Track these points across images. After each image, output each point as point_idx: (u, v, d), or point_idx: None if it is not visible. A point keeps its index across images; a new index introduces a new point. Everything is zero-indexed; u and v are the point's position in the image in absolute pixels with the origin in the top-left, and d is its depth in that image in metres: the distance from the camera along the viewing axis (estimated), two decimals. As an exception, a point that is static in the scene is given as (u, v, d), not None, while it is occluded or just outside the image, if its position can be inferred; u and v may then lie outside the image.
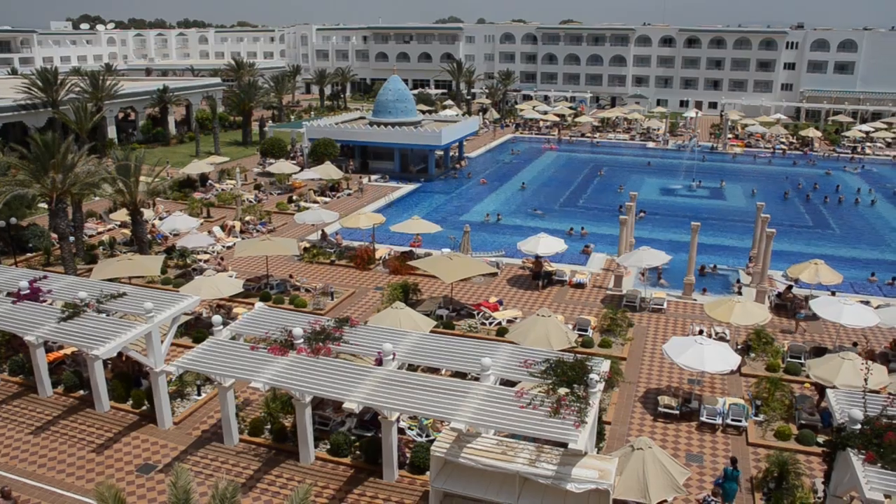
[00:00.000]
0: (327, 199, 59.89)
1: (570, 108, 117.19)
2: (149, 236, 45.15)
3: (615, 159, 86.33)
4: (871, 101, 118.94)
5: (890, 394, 22.57)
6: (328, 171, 61.48)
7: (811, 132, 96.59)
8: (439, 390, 21.11)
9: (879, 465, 17.78)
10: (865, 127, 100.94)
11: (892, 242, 54.76)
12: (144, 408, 26.72)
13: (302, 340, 23.62)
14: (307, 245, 46.40)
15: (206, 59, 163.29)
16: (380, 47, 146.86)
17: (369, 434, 24.69)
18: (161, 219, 49.40)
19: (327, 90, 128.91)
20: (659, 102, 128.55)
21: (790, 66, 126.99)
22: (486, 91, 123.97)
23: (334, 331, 24.62)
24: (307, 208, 52.94)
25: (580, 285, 40.67)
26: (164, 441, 25.01)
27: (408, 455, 23.53)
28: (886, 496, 17.48)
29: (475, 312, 35.50)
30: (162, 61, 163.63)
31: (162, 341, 25.81)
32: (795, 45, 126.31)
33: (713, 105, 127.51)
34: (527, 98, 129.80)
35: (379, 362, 22.99)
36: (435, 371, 26.42)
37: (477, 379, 22.30)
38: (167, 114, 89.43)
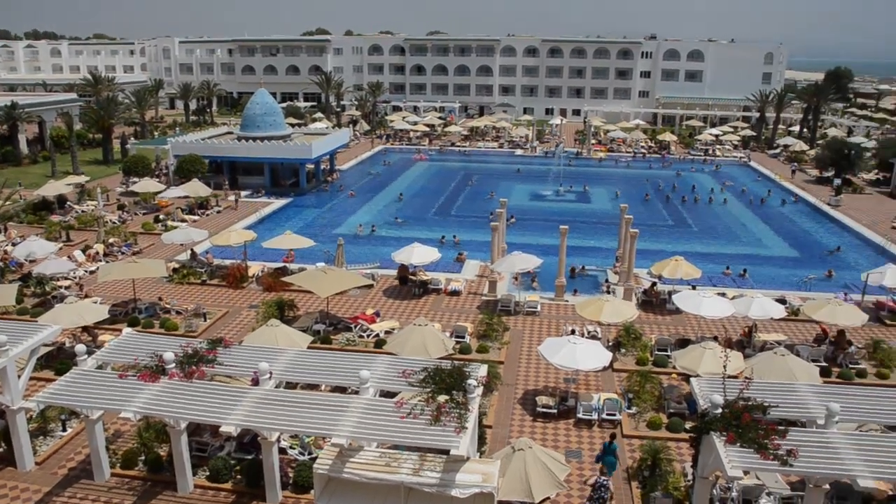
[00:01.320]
0: (196, 218, 58.03)
1: (440, 118, 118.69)
2: (0, 263, 42.29)
3: (485, 167, 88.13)
4: (718, 107, 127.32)
5: (747, 378, 23.98)
6: (196, 188, 59.61)
7: (667, 136, 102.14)
8: (319, 406, 20.83)
9: (739, 444, 18.91)
10: (715, 130, 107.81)
11: (743, 237, 58.67)
12: (1, 450, 24.91)
13: (174, 365, 22.72)
14: (176, 266, 44.76)
15: (59, 74, 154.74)
16: (246, 60, 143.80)
17: (250, 457, 24.03)
18: (14, 244, 46.44)
19: (192, 105, 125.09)
20: (525, 111, 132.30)
21: (646, 75, 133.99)
22: (356, 103, 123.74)
23: (207, 353, 23.82)
24: (175, 227, 51.09)
25: (455, 293, 41.20)
26: (25, 484, 23.38)
27: (291, 475, 23.07)
28: (745, 472, 18.72)
29: (352, 325, 35.29)
30: (8, 75, 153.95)
31: (19, 376, 24.16)
32: (650, 54, 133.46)
33: (577, 112, 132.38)
34: (396, 109, 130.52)
35: (255, 382, 22.46)
36: (314, 387, 26.04)
37: (357, 392, 22.16)
38: (17, 132, 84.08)
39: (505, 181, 78.09)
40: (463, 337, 33.77)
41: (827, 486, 19.68)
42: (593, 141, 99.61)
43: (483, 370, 23.04)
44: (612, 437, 24.49)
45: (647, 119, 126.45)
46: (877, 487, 21.68)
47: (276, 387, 22.86)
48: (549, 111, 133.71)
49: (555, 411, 27.83)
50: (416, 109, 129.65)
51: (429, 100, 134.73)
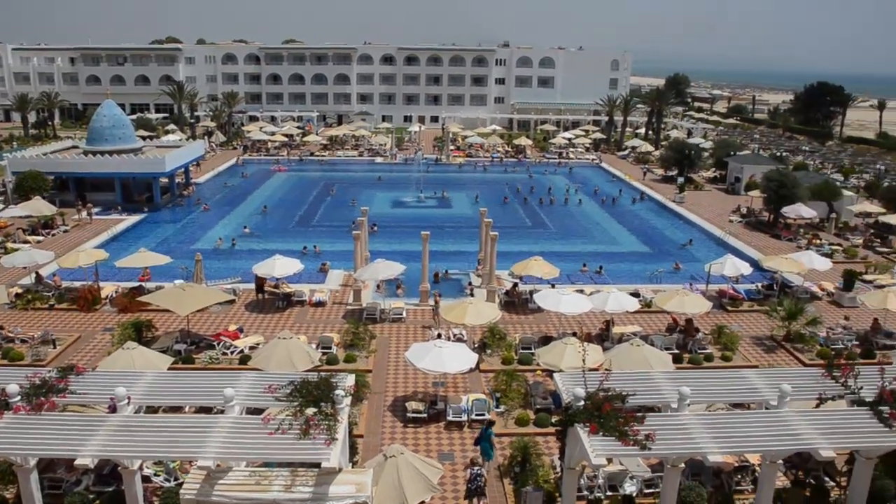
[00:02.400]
0: (41, 238, 54.47)
1: (298, 127, 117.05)
2: None
3: (346, 176, 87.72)
4: (570, 112, 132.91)
5: (606, 370, 25.08)
6: (39, 206, 55.94)
7: (523, 141, 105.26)
8: (182, 429, 20.04)
9: (601, 433, 19.77)
10: (568, 134, 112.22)
11: (597, 235, 61.39)
12: None
13: (19, 398, 21.21)
14: (19, 290, 41.80)
15: None
16: (91, 70, 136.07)
17: (111, 489, 22.80)
18: None
19: (31, 117, 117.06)
20: (384, 118, 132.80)
21: (501, 81, 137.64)
22: (211, 114, 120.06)
23: (58, 381, 22.35)
24: (16, 250, 47.67)
25: (320, 303, 40.76)
26: None
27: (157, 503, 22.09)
28: (609, 459, 19.62)
29: (215, 343, 34.20)
30: None
31: None
32: (504, 62, 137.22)
33: (435, 119, 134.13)
34: (253, 119, 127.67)
35: (113, 409, 21.32)
36: (178, 409, 25.07)
37: (222, 412, 21.49)
38: None
39: (366, 189, 78.01)
40: (329, 348, 33.47)
41: (682, 465, 20.89)
42: (452, 147, 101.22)
43: (351, 380, 22.91)
44: (490, 423, 25.53)
45: (503, 124, 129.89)
46: (724, 461, 23.24)
47: (135, 412, 21.83)
48: (407, 118, 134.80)
49: (425, 416, 28.05)
50: (273, 119, 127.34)
51: (286, 109, 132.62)
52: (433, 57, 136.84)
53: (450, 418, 27.80)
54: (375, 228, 56.90)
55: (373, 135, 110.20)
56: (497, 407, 28.63)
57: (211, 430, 19.75)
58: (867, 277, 47.07)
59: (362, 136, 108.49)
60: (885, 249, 56.11)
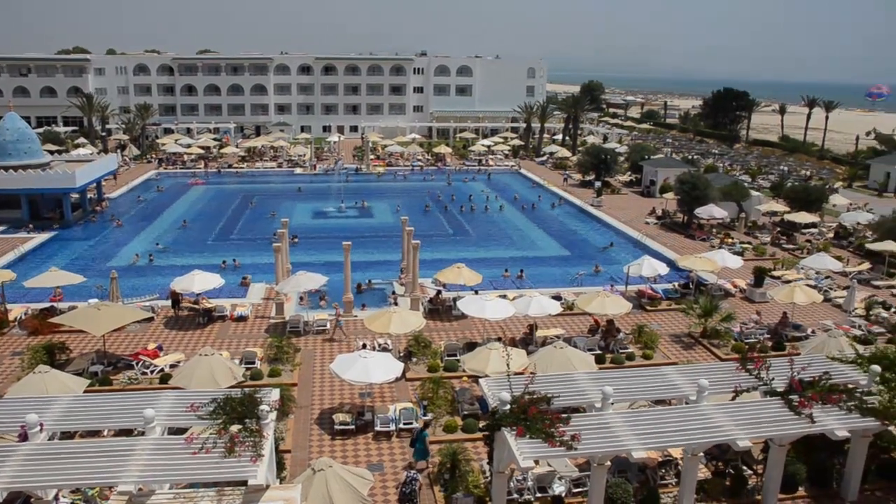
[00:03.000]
0: (-60, 261, 51.81)
1: (215, 139, 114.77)
2: None
3: (265, 188, 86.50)
4: (488, 119, 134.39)
5: (531, 373, 25.45)
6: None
7: (443, 149, 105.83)
8: (100, 454, 19.35)
9: (528, 436, 20.05)
10: (487, 141, 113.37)
11: (518, 241, 62.20)
12: None
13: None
14: (-83, 317, 39.69)
15: None
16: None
17: (23, 520, 21.83)
18: None
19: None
20: (303, 129, 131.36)
21: (419, 90, 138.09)
22: (123, 126, 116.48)
23: (-38, 411, 21.39)
24: (-87, 274, 45.26)
25: (242, 318, 40.00)
26: None
27: (73, 531, 21.26)
28: (536, 461, 19.92)
29: (134, 363, 33.16)
30: None
31: None
32: (422, 70, 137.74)
33: (354, 129, 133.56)
34: (168, 132, 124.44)
35: (24, 437, 20.44)
36: (96, 434, 24.20)
37: (143, 433, 20.87)
38: None
39: (286, 201, 77.02)
40: (253, 363, 32.89)
41: (608, 463, 21.37)
42: (372, 156, 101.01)
43: (276, 394, 22.61)
44: (426, 425, 26.27)
45: (422, 133, 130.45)
46: (649, 457, 23.88)
47: (49, 439, 20.99)
48: (326, 129, 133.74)
49: (353, 427, 27.85)
50: (189, 131, 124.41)
51: (202, 121, 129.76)
52: (351, 66, 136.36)
53: (378, 428, 27.68)
54: (296, 240, 56.25)
55: (292, 145, 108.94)
56: (425, 415, 28.64)
57: (131, 454, 19.16)
58: (775, 273, 49.07)
59: (281, 147, 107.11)
60: (791, 246, 58.62)
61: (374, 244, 58.07)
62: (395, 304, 41.14)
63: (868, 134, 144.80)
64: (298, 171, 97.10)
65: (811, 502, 24.23)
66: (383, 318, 32.94)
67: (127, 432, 23.35)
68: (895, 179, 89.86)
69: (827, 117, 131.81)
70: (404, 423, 27.80)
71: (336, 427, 27.81)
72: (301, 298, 42.33)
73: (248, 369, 31.87)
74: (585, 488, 22.96)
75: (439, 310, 41.37)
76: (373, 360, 27.55)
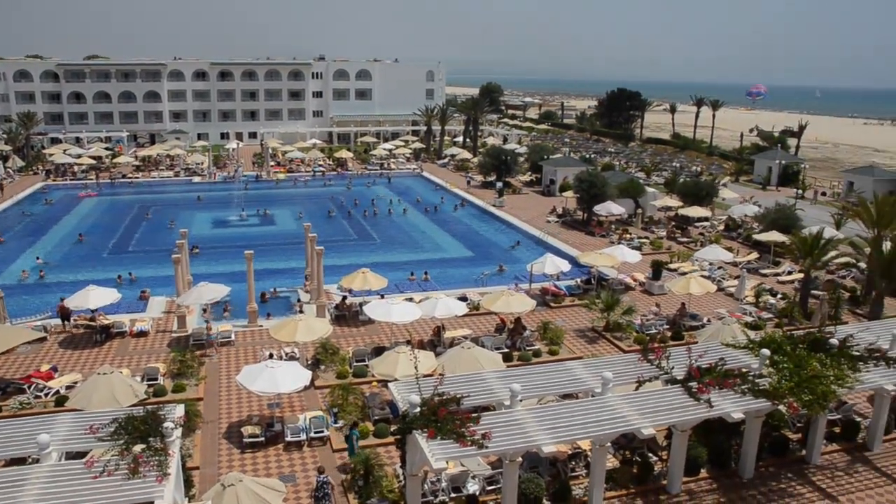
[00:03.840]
0: None
1: (107, 148, 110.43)
2: None
3: (163, 198, 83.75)
4: (389, 123, 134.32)
5: (440, 374, 25.59)
6: None
7: (344, 153, 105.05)
8: (-10, 484, 18.33)
9: (439, 437, 20.17)
10: (388, 145, 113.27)
11: (423, 243, 62.49)
12: None
13: None
14: None
15: None
16: None
17: None
18: None
19: None
20: (200, 136, 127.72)
21: (318, 95, 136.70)
22: (5, 136, 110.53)
23: None
24: None
25: (142, 333, 38.62)
26: None
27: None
28: (448, 462, 20.07)
29: (25, 386, 31.51)
30: None
31: None
32: (320, 75, 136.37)
33: (253, 135, 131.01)
34: (56, 141, 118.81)
35: None
36: (-16, 463, 22.90)
37: (38, 461, 19.88)
38: None
39: (185, 210, 74.83)
40: (156, 379, 31.83)
41: (520, 459, 21.69)
42: (272, 163, 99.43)
43: (180, 410, 21.99)
44: (355, 424, 26.68)
45: (323, 138, 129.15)
46: (558, 450, 24.39)
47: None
48: (224, 135, 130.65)
49: (262, 439, 27.33)
50: (78, 141, 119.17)
51: (92, 130, 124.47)
52: (248, 72, 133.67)
53: (288, 439, 27.26)
54: (197, 250, 54.80)
55: (189, 153, 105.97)
56: (335, 422, 28.39)
57: (24, 483, 18.25)
58: (672, 266, 51.00)
59: (178, 156, 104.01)
60: (685, 239, 61.05)
61: (278, 252, 57.14)
62: (301, 311, 40.57)
63: (751, 131, 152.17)
64: (197, 179, 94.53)
65: (712, 483, 25.32)
66: (289, 326, 32.47)
67: (19, 461, 22.19)
68: (777, 173, 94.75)
69: (714, 115, 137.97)
70: (315, 432, 27.50)
71: (245, 440, 27.23)
72: (204, 310, 41.22)
73: (150, 386, 30.85)
74: (499, 485, 23.25)
75: (346, 316, 41.09)
76: (280, 370, 27.13)
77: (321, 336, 33.14)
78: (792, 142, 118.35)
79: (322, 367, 33.43)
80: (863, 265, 48.35)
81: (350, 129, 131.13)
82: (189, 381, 32.05)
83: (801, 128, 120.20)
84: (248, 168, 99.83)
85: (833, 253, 46.41)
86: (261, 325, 39.25)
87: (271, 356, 33.33)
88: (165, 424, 19.61)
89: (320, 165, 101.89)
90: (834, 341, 27.41)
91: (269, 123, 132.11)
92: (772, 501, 24.34)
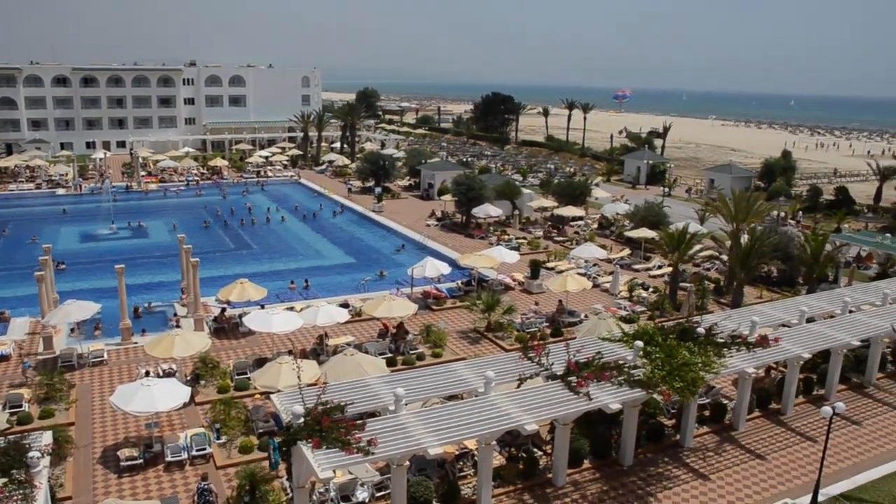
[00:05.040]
0: None
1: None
2: None
3: (23, 212, 78.74)
4: (264, 130, 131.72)
5: (324, 383, 25.33)
6: None
7: (219, 162, 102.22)
8: None
9: (325, 447, 19.99)
10: (264, 153, 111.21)
11: (303, 251, 61.75)
12: None
13: None
14: None
15: None
16: None
17: None
18: None
19: None
20: (63, 146, 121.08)
21: (190, 101, 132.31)
22: None
23: None
24: None
25: (3, 357, 36.22)
26: None
27: None
28: (335, 471, 19.92)
29: None
30: None
31: None
32: (191, 81, 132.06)
33: (122, 144, 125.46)
34: None
35: None
36: None
37: None
38: None
39: (49, 225, 70.66)
40: (20, 406, 29.91)
41: (407, 463, 21.77)
42: (143, 173, 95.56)
43: (48, 437, 20.89)
44: (271, 434, 26.55)
45: (196, 146, 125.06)
46: (445, 452, 24.64)
47: None
48: (90, 145, 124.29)
49: (141, 461, 26.22)
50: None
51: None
52: (114, 77, 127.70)
53: (169, 459, 26.30)
54: (63, 266, 51.95)
55: (51, 164, 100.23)
56: (218, 438, 27.61)
57: None
58: (549, 265, 52.45)
59: (39, 167, 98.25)
60: (561, 238, 62.96)
61: (151, 265, 55.05)
62: (178, 326, 39.19)
63: (621, 132, 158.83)
64: (61, 191, 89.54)
65: (595, 472, 26.28)
66: (165, 342, 31.32)
67: None
68: (645, 173, 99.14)
69: (585, 118, 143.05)
70: (197, 450, 26.64)
71: (122, 464, 26.05)
72: (73, 329, 39.11)
73: (13, 414, 29.02)
74: (388, 491, 23.26)
75: (225, 328, 40.01)
76: (157, 388, 26.15)
77: (200, 350, 32.14)
78: (658, 142, 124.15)
79: (202, 383, 32.43)
80: (724, 257, 51.27)
81: (224, 136, 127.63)
82: (58, 405, 30.34)
83: (666, 129, 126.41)
84: (118, 179, 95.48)
85: (698, 247, 49.03)
86: (135, 343, 37.63)
87: (147, 374, 32.09)
88: (30, 454, 18.55)
89: (194, 174, 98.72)
90: (701, 330, 29.06)
91: (139, 132, 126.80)
92: (650, 486, 25.49)
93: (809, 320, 34.10)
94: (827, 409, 24.14)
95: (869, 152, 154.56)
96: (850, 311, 35.33)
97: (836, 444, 28.72)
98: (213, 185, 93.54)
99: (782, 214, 75.33)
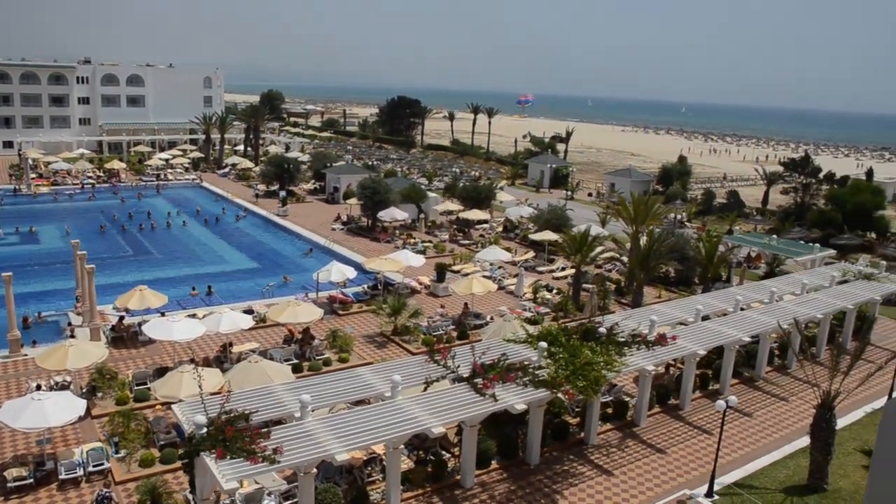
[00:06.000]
0: None
1: None
2: None
3: None
4: (164, 131, 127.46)
5: (228, 391, 24.78)
6: None
7: (116, 164, 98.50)
8: None
9: (229, 457, 19.54)
10: (165, 155, 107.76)
11: (205, 256, 60.20)
12: None
13: None
14: None
15: None
16: None
17: None
18: None
19: None
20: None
21: (85, 101, 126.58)
22: None
23: None
24: None
25: None
26: None
27: None
28: (240, 482, 19.51)
29: None
30: None
31: None
32: (86, 79, 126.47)
33: (9, 144, 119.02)
34: None
35: None
36: None
37: None
38: None
39: (-74, 231, 66.53)
40: None
41: (315, 470, 21.53)
42: (33, 175, 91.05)
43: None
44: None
45: (92, 147, 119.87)
46: (353, 458, 24.51)
47: None
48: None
49: (31, 481, 24.91)
50: None
51: None
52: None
53: (63, 476, 25.11)
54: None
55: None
56: (117, 452, 26.59)
57: None
58: (455, 268, 52.87)
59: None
60: (467, 241, 63.59)
61: (43, 272, 52.53)
62: (72, 336, 37.54)
63: (524, 137, 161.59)
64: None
65: (503, 473, 26.66)
66: (58, 353, 29.91)
67: None
68: (548, 176, 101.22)
69: (490, 122, 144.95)
70: (94, 465, 25.56)
71: (10, 485, 24.66)
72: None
73: None
74: (296, 499, 22.93)
75: (124, 337, 38.55)
76: (49, 402, 24.95)
77: (96, 361, 30.83)
78: (562, 147, 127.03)
79: (99, 395, 31.13)
80: (625, 259, 52.89)
81: (122, 137, 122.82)
82: (-62, 423, 28.58)
83: (569, 134, 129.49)
84: (5, 181, 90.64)
85: (599, 249, 50.41)
86: (25, 355, 35.77)
87: (39, 387, 30.55)
88: None
89: (89, 177, 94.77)
90: (603, 330, 29.94)
91: (28, 132, 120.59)
92: (557, 483, 26.06)
93: (704, 318, 35.61)
94: (721, 403, 25.28)
95: (757, 158, 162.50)
96: (742, 309, 37.09)
97: (730, 435, 30.11)
98: (110, 189, 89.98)
99: (679, 217, 78.33)
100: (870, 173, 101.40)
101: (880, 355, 36.50)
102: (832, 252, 57.27)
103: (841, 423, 28.52)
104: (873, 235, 71.28)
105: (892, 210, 77.85)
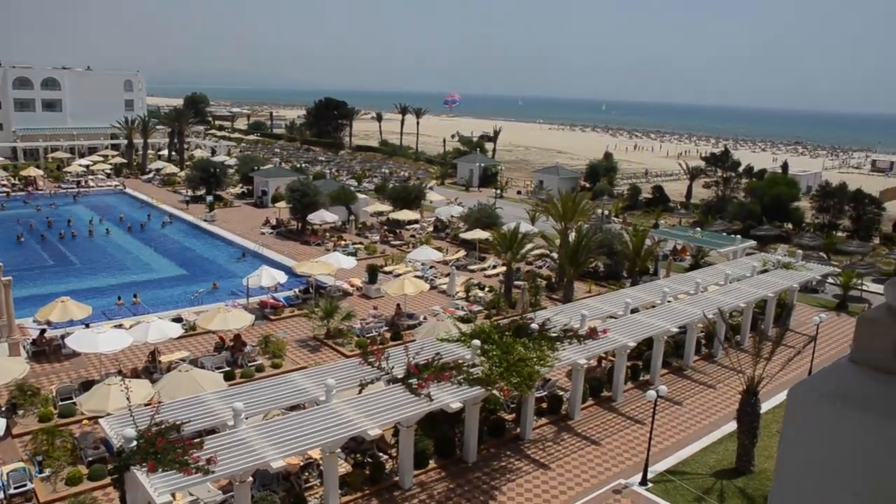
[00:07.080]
0: None
1: None
2: None
3: None
4: (84, 137, 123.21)
5: (159, 402, 24.21)
6: None
7: (33, 171, 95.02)
8: None
9: (161, 470, 19.08)
10: (85, 161, 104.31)
11: (131, 264, 58.52)
12: None
13: None
14: None
15: None
16: None
17: None
18: None
19: None
20: None
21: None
22: None
23: None
24: None
25: None
26: None
27: None
28: (174, 495, 19.06)
29: None
30: None
31: None
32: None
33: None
34: None
35: None
36: None
37: None
38: None
39: None
40: None
41: (250, 479, 21.21)
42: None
43: None
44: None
45: (5, 154, 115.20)
46: (289, 464, 24.22)
47: None
48: None
49: (-53, 505, 23.96)
50: None
51: None
52: None
53: (-18, 499, 24.17)
54: None
55: None
56: (40, 472, 25.63)
57: None
58: (387, 269, 52.77)
59: None
60: (398, 242, 63.53)
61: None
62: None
63: (453, 136, 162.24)
64: None
65: (441, 472, 26.74)
66: (-25, 370, 28.74)
67: None
68: (477, 175, 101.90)
69: (418, 123, 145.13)
70: (16, 487, 24.55)
71: (-75, 509, 23.68)
72: None
73: None
74: (231, 509, 22.56)
75: (46, 351, 37.20)
76: (-34, 422, 23.95)
77: (16, 377, 29.67)
78: (490, 146, 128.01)
79: (20, 412, 29.96)
80: (555, 255, 53.65)
81: (38, 143, 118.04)
82: None
83: (496, 133, 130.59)
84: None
85: (530, 246, 50.96)
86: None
87: (-46, 406, 29.32)
88: None
89: (4, 185, 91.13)
90: (535, 326, 30.32)
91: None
92: (495, 480, 26.27)
93: (634, 311, 36.45)
94: (651, 393, 25.93)
95: (680, 154, 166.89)
96: (669, 301, 38.09)
97: (662, 424, 30.88)
98: (27, 197, 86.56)
99: (606, 212, 79.88)
100: (785, 166, 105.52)
101: (799, 340, 37.96)
102: (752, 243, 59.35)
103: (765, 406, 29.53)
104: (790, 226, 74.18)
105: (806, 201, 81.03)
